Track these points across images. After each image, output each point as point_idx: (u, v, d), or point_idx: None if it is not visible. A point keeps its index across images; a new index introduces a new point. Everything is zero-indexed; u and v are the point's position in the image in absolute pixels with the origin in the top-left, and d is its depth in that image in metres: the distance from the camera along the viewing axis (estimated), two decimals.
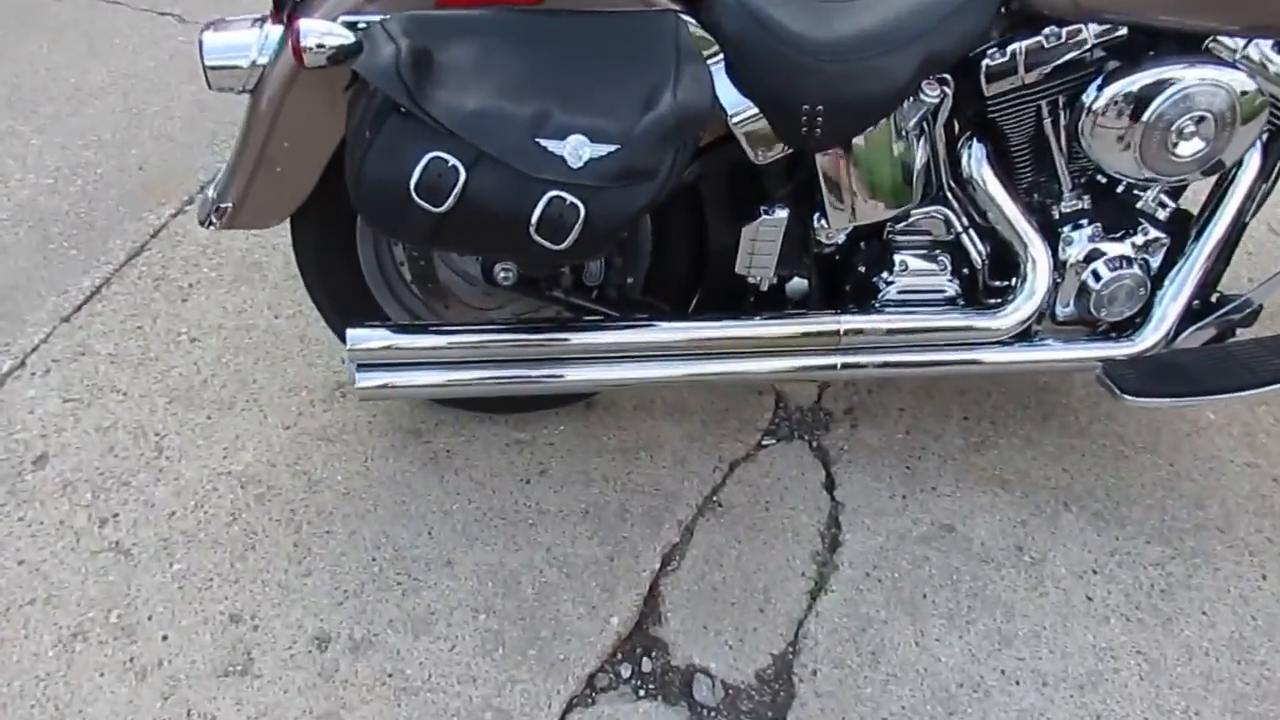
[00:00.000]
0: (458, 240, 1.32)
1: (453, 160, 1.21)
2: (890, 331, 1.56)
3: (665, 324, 1.55)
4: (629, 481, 1.72)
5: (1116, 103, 1.44)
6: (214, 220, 1.48)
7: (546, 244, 1.24)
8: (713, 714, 1.44)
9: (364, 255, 1.62)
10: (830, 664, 1.49)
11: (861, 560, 1.62)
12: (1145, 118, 1.43)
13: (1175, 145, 1.45)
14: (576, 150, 1.22)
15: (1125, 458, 1.80)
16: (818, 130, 1.40)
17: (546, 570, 1.58)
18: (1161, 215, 1.60)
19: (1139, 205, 1.60)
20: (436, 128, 1.21)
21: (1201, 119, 1.43)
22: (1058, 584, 1.60)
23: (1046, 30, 1.44)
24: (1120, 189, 1.59)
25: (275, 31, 1.38)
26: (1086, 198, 1.59)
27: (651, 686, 1.47)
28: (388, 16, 1.29)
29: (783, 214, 1.50)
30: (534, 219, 1.22)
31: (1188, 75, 1.42)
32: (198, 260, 2.08)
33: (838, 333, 1.56)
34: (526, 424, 1.79)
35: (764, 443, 1.80)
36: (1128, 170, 1.50)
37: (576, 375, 1.54)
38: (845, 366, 1.58)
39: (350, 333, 1.50)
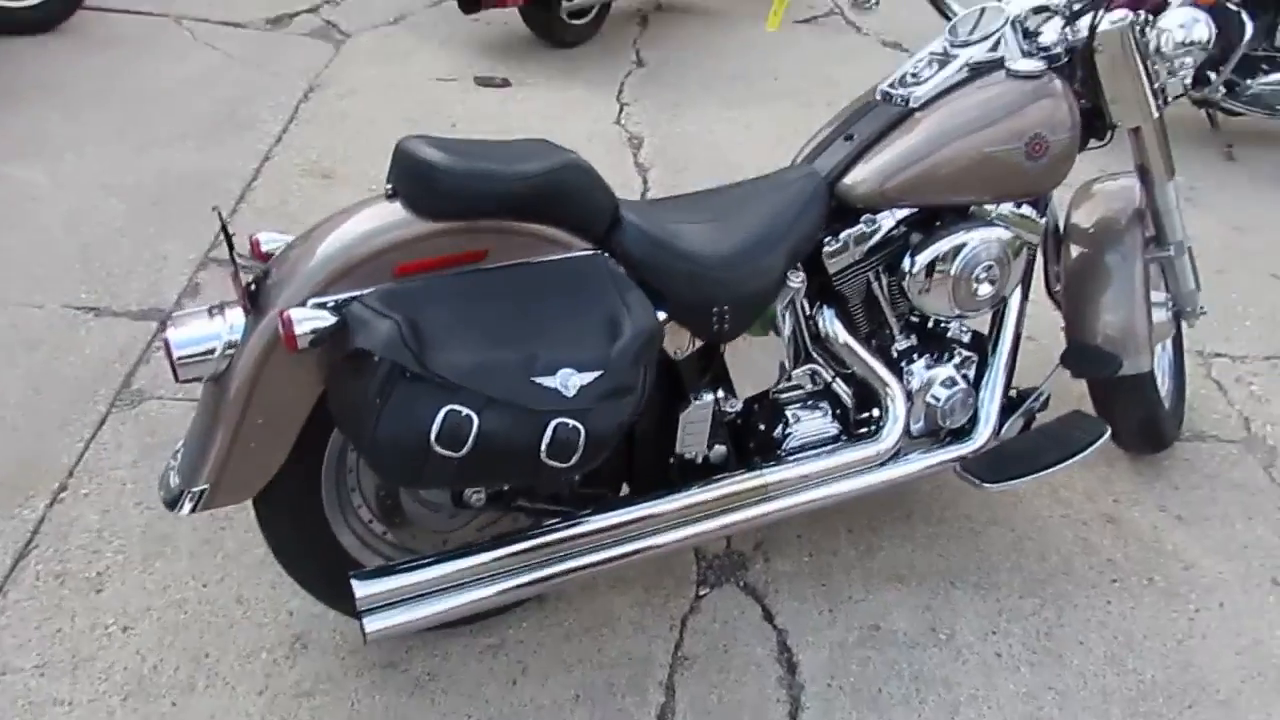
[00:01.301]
0: (477, 476, 1.48)
1: (465, 410, 1.38)
2: (804, 476, 1.87)
3: (630, 507, 1.76)
4: (603, 658, 1.88)
5: (930, 266, 1.86)
6: (187, 505, 1.53)
7: (557, 464, 1.43)
8: None
9: (329, 508, 1.71)
10: None
11: (819, 674, 1.88)
12: (953, 272, 1.86)
13: (976, 289, 1.90)
14: (566, 381, 1.43)
15: (977, 533, 2.20)
16: (726, 325, 1.71)
17: None
18: (966, 339, 2.04)
19: (949, 335, 2.03)
20: (444, 384, 1.38)
21: (990, 266, 1.89)
22: (971, 650, 1.93)
23: (864, 218, 1.86)
24: (931, 325, 2.02)
25: (238, 317, 1.49)
26: (913, 336, 2.00)
27: None
28: (360, 294, 1.45)
29: (709, 397, 1.78)
30: (544, 446, 1.41)
31: (973, 237, 1.87)
32: (97, 546, 2.03)
33: (764, 486, 1.84)
34: (491, 629, 1.91)
35: (700, 593, 2.03)
36: (944, 312, 1.93)
37: (561, 568, 1.71)
38: (772, 514, 1.86)
39: (356, 583, 1.59)
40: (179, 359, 1.47)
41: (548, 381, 1.42)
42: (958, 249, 1.86)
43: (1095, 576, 2.11)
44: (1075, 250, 2.20)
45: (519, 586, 1.70)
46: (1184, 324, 2.36)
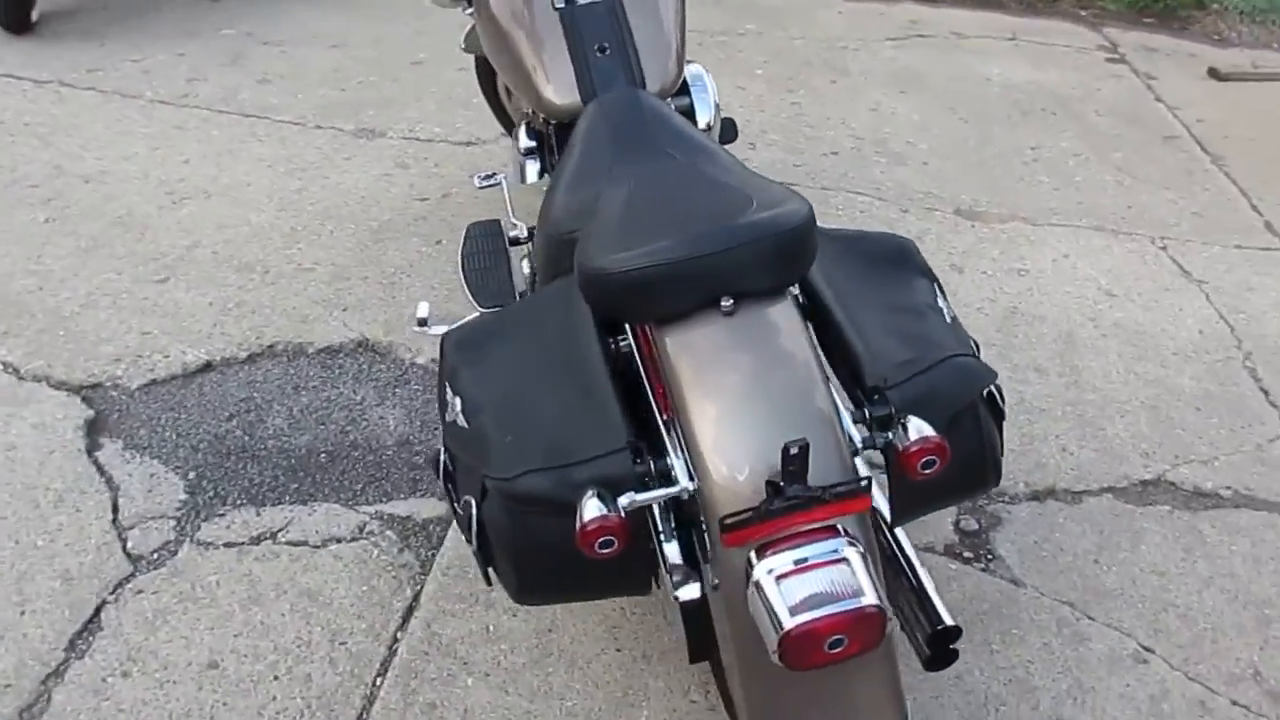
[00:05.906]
0: None
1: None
2: None
3: None
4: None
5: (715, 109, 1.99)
6: None
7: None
8: None
9: None
10: None
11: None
12: (715, 102, 1.97)
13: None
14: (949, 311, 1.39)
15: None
16: None
17: None
18: None
19: None
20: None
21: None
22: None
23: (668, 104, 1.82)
24: None
25: (829, 536, 1.08)
26: None
27: None
28: (876, 391, 1.21)
29: None
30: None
31: (702, 70, 1.98)
32: None
33: None
34: None
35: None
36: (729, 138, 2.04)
37: None
38: None
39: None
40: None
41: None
42: (707, 84, 1.94)
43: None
44: None
45: None
46: None
